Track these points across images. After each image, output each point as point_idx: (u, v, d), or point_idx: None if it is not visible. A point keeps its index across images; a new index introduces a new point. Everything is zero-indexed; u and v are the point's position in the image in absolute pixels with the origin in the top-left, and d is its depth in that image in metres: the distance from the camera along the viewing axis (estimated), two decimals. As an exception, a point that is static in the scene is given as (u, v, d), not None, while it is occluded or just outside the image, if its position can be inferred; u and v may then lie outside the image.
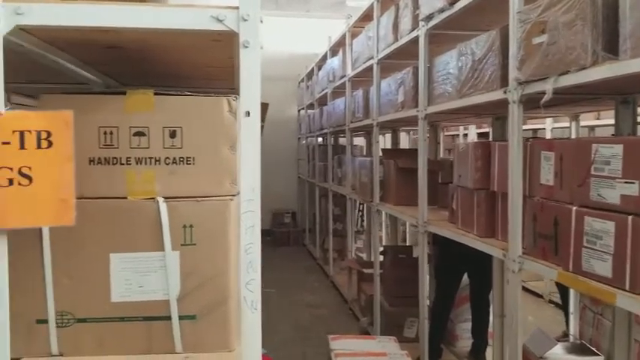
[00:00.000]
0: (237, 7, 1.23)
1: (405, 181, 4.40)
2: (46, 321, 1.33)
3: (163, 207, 1.35)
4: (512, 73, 2.61)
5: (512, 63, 2.61)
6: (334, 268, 7.41)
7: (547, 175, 2.45)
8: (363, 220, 8.67)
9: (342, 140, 8.15)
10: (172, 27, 1.23)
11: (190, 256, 1.36)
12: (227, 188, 1.40)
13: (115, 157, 1.38)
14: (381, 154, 5.01)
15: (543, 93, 2.36)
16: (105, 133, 1.38)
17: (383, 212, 5.30)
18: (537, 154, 2.55)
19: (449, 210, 3.61)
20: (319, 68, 8.33)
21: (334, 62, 7.07)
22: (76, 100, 1.38)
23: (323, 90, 7.82)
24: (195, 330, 1.36)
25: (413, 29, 3.98)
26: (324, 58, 7.89)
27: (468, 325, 4.48)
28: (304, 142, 10.46)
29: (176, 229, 1.36)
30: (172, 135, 1.40)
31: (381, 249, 5.37)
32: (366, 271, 5.54)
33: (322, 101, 8.19)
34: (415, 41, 3.95)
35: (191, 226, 1.37)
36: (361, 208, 8.72)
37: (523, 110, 2.62)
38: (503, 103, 2.78)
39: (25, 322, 1.31)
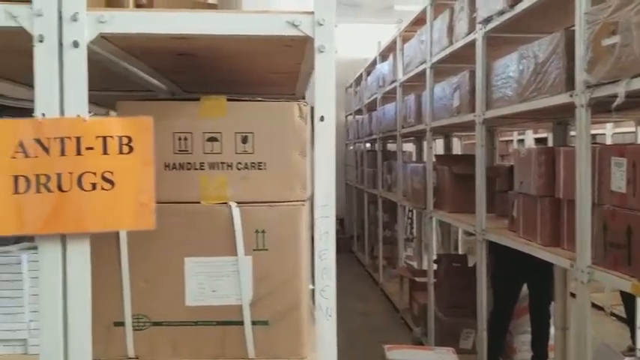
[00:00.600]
0: (312, 12, 1.23)
1: (460, 188, 4.31)
2: (123, 324, 1.35)
3: (236, 212, 1.36)
4: (580, 76, 2.52)
5: (580, 65, 2.52)
6: (384, 276, 7.34)
7: (619, 182, 2.35)
8: (412, 228, 8.56)
9: (390, 146, 8.09)
10: (248, 33, 1.24)
11: (262, 262, 1.36)
12: (298, 193, 1.40)
13: (189, 163, 1.40)
14: (434, 159, 4.94)
15: (613, 96, 2.27)
16: (179, 138, 1.40)
17: (434, 219, 5.22)
18: (607, 161, 2.45)
19: (509, 218, 3.52)
20: (368, 73, 8.31)
21: (384, 67, 7.03)
22: (152, 107, 1.41)
23: (372, 95, 7.79)
24: (267, 336, 1.35)
25: (469, 32, 3.91)
26: (373, 64, 7.86)
27: (528, 338, 4.34)
28: (352, 147, 10.44)
29: (248, 234, 1.36)
30: (244, 140, 1.41)
31: (435, 257, 5.27)
32: (418, 279, 5.46)
33: (371, 107, 8.16)
34: (471, 45, 3.88)
35: (263, 232, 1.37)
36: (410, 215, 8.62)
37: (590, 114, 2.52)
38: (568, 107, 2.69)
39: (104, 324, 1.33)
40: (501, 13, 3.37)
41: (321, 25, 1.22)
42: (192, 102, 1.41)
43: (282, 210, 1.37)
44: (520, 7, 3.14)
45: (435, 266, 5.00)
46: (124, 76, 1.75)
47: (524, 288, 4.22)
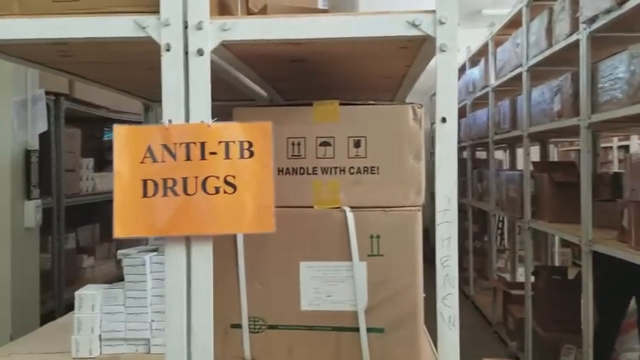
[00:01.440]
0: (433, 11, 1.19)
1: (561, 196, 4.09)
2: (239, 326, 1.37)
3: (350, 216, 1.34)
4: None
5: None
6: (474, 289, 7.09)
7: None
8: (502, 239, 8.23)
9: (478, 154, 7.83)
10: (367, 35, 1.22)
11: (378, 268, 1.33)
12: (412, 199, 1.36)
13: (302, 167, 1.40)
14: (531, 167, 4.71)
15: None
16: (293, 143, 1.41)
17: (530, 229, 4.98)
18: None
19: (619, 228, 3.28)
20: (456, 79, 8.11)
21: (474, 73, 6.84)
22: (266, 112, 1.43)
23: (461, 102, 7.60)
24: (383, 344, 1.32)
25: (571, 33, 3.71)
26: (462, 69, 7.67)
27: (635, 356, 4.02)
28: (438, 156, 10.19)
29: (363, 239, 1.34)
30: (357, 145, 1.40)
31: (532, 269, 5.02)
32: (513, 292, 5.22)
33: (460, 113, 7.95)
34: (573, 46, 3.67)
35: (378, 237, 1.34)
36: (500, 226, 8.29)
37: None
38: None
39: (221, 326, 1.36)
40: (608, 11, 3.17)
41: (443, 23, 1.19)
42: (305, 107, 1.42)
43: (397, 215, 1.34)
44: (629, 5, 2.94)
45: (532, 278, 4.76)
46: (230, 84, 1.79)
47: (633, 302, 3.91)
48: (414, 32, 1.20)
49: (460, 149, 8.07)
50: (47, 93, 3.10)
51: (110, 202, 3.88)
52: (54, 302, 3.39)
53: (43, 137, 3.14)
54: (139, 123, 4.71)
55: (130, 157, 1.21)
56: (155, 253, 1.44)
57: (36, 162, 2.90)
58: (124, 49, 1.44)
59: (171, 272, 1.22)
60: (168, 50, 1.23)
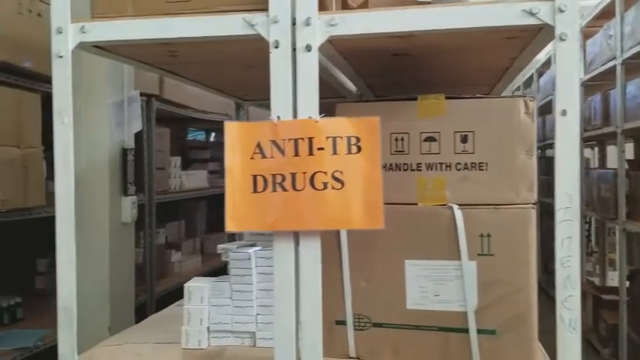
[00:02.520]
0: (551, -1, 1.13)
1: (661, 196, 3.82)
2: (344, 322, 1.36)
3: (459, 214, 1.30)
4: None
5: None
6: (559, 291, 6.77)
7: None
8: (589, 241, 7.82)
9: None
10: (480, 25, 1.18)
11: (488, 267, 1.29)
12: (524, 196, 1.30)
13: (406, 164, 1.37)
14: (626, 165, 4.44)
15: None
16: (396, 139, 1.38)
17: (617, 231, 4.69)
18: None
19: None
20: (540, 74, 7.78)
21: (559, 67, 6.51)
22: (369, 108, 1.41)
23: (546, 97, 7.28)
24: (494, 346, 1.27)
25: (675, 21, 3.45)
26: (546, 64, 7.35)
27: None
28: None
29: (472, 237, 1.30)
30: (464, 140, 1.35)
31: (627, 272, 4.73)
32: (604, 297, 4.94)
33: (545, 110, 7.63)
34: (677, 35, 3.42)
35: (488, 235, 1.29)
36: (587, 228, 7.88)
37: None
38: None
39: (326, 322, 1.34)
40: None
41: (562, 11, 1.12)
42: (409, 102, 1.39)
43: (509, 213, 1.29)
44: None
45: (627, 283, 4.48)
46: (322, 81, 1.79)
47: None
48: (530, 21, 1.15)
49: (542, 147, 7.75)
50: (140, 94, 3.23)
51: (195, 199, 4.02)
52: (145, 295, 3.53)
53: (136, 136, 3.27)
54: (222, 123, 4.85)
55: (241, 153, 1.23)
56: (259, 248, 1.46)
57: (132, 160, 3.04)
58: (227, 48, 1.46)
59: (279, 267, 1.23)
60: (276, 47, 1.24)
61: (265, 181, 1.22)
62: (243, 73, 1.85)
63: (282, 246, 1.23)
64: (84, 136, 2.84)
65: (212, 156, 5.17)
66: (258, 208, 1.22)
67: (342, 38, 1.26)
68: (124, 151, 2.99)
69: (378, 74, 1.89)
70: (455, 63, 1.70)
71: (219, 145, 5.95)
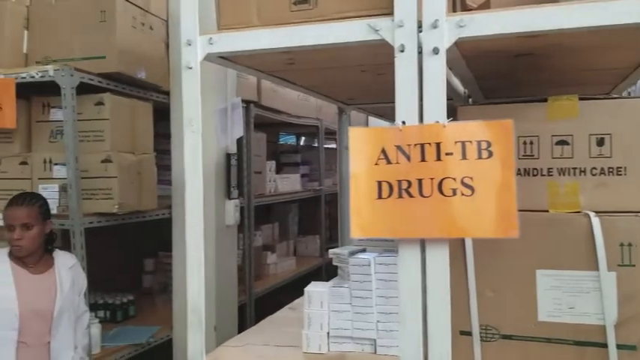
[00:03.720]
0: None
1: None
2: (469, 333, 1.32)
3: (596, 222, 1.22)
4: None
5: None
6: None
7: None
8: None
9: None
10: (621, 22, 1.10)
11: (629, 279, 1.20)
12: (670, 203, 1.21)
13: (536, 168, 1.31)
14: None
15: None
16: (524, 142, 1.33)
17: None
18: None
19: None
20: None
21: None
22: (494, 110, 1.36)
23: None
24: (637, 364, 1.19)
25: None
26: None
27: None
28: None
29: (611, 247, 1.21)
30: (600, 143, 1.27)
31: None
32: None
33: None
34: None
35: (629, 245, 1.21)
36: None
37: None
38: None
39: (450, 332, 1.32)
40: None
41: None
42: (538, 103, 1.33)
43: (653, 221, 1.19)
44: None
45: None
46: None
47: None
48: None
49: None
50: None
51: (287, 202, 4.03)
52: (245, 296, 3.63)
53: (237, 142, 3.37)
54: (314, 127, 4.91)
55: (365, 158, 1.22)
56: (376, 254, 1.45)
57: (235, 165, 3.14)
58: (343, 54, 1.46)
59: (405, 275, 1.21)
60: (402, 51, 1.22)
61: (390, 187, 1.21)
62: (353, 78, 1.85)
63: (408, 253, 1.21)
64: (190, 142, 2.96)
65: (302, 160, 5.24)
66: (384, 214, 1.20)
67: (470, 40, 1.22)
68: (228, 156, 3.09)
69: (494, 76, 1.82)
70: (579, 62, 1.60)
71: (309, 149, 6.03)
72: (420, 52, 1.22)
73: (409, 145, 1.20)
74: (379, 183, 1.21)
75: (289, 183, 4.55)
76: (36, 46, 2.75)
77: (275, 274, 4.23)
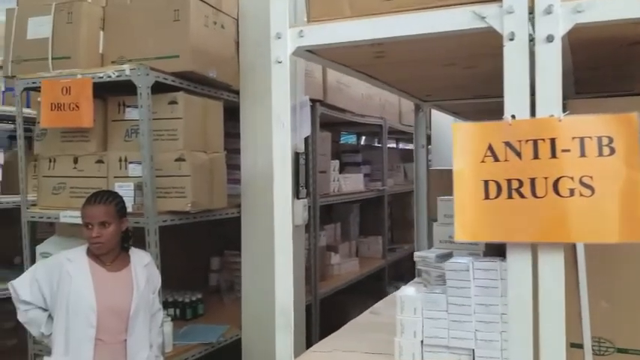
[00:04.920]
0: None
1: None
2: (580, 346, 1.21)
3: None
4: None
5: None
6: None
7: None
8: None
9: None
10: None
11: None
12: None
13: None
14: None
15: None
16: (644, 139, 1.20)
17: None
18: None
19: None
20: None
21: None
22: (607, 103, 1.24)
23: None
24: None
25: None
26: None
27: None
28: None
29: None
30: None
31: None
32: None
33: None
34: None
35: None
36: None
37: None
38: None
39: (559, 343, 1.22)
40: None
41: None
42: (660, 96, 1.20)
43: None
44: None
45: None
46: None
47: None
48: None
49: None
50: (307, 100, 3.29)
51: (348, 202, 3.94)
52: (310, 296, 3.59)
53: (303, 141, 3.33)
54: (378, 125, 4.82)
55: (470, 156, 1.14)
56: (473, 258, 1.36)
57: (303, 164, 3.10)
58: (435, 45, 1.39)
59: (514, 282, 1.12)
60: (511, 39, 1.13)
61: (499, 186, 1.12)
62: (438, 72, 1.76)
63: (518, 259, 1.12)
64: (259, 140, 2.94)
65: (363, 159, 5.16)
66: (491, 216, 1.12)
67: (587, 26, 1.12)
68: (297, 155, 3.05)
69: (595, 67, 1.70)
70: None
71: (369, 148, 5.95)
72: (531, 40, 1.13)
73: (520, 140, 1.11)
74: (486, 182, 1.13)
75: (352, 183, 4.48)
76: (111, 46, 2.79)
77: (339, 275, 4.17)
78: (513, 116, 1.13)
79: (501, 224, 1.11)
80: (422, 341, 1.35)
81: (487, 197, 1.12)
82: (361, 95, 4.31)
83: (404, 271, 5.93)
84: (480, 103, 2.23)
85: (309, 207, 3.57)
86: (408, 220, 5.72)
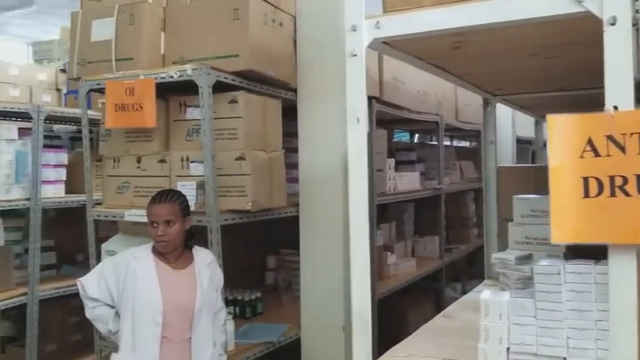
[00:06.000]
0: None
1: None
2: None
3: None
4: None
5: None
6: None
7: None
8: None
9: None
10: None
11: None
12: None
13: None
14: None
15: None
16: None
17: None
18: None
19: None
20: None
21: None
22: None
23: None
24: None
25: None
26: None
27: None
28: None
29: None
30: None
31: None
32: None
33: None
34: None
35: None
36: None
37: None
38: None
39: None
40: None
41: None
42: None
43: None
44: None
45: None
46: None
47: None
48: None
49: None
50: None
51: (403, 202, 3.81)
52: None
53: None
54: (435, 123, 4.71)
55: (568, 151, 1.06)
56: (567, 261, 1.27)
57: (362, 162, 3.04)
58: (519, 34, 1.31)
59: (617, 287, 1.03)
60: (612, 24, 1.05)
61: (600, 184, 1.03)
62: (515, 63, 1.68)
63: (622, 262, 1.03)
64: (317, 138, 2.90)
65: (417, 157, 5.06)
66: (592, 216, 1.04)
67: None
68: (355, 153, 2.99)
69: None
70: None
71: (424, 146, 5.83)
72: (634, 25, 1.04)
73: (623, 134, 1.02)
74: (585, 179, 1.05)
75: (408, 181, 4.39)
76: (172, 47, 2.81)
77: (395, 275, 4.09)
78: (616, 107, 1.04)
79: (603, 224, 1.03)
80: (508, 348, 1.27)
81: (587, 195, 1.04)
82: (417, 92, 4.21)
83: (459, 272, 5.78)
84: (557, 96, 2.11)
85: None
86: (464, 220, 5.58)
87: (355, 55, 1.28)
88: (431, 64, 1.62)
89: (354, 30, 1.28)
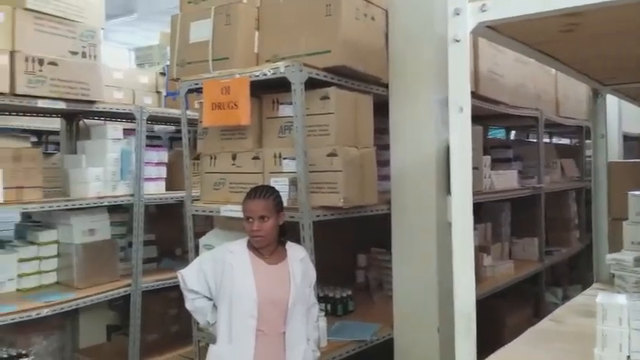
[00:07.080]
0: None
1: None
2: None
3: None
4: None
5: None
6: None
7: None
8: None
9: None
10: None
11: None
12: None
13: None
14: None
15: None
16: None
17: None
18: None
19: None
20: None
21: None
22: None
23: None
24: None
25: None
26: None
27: None
28: None
29: None
30: None
31: None
32: None
33: None
34: None
35: None
36: None
37: None
38: None
39: None
40: None
41: None
42: None
43: None
44: None
45: None
46: None
47: None
48: None
49: None
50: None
51: (499, 201, 3.60)
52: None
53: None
54: (535, 118, 4.47)
55: None
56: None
57: (456, 159, 2.93)
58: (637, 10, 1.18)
59: None
60: None
61: None
62: (632, 48, 1.53)
63: None
64: (409, 134, 2.83)
65: (515, 155, 4.82)
66: None
67: None
68: (448, 149, 2.89)
69: None
70: None
71: (520, 143, 5.55)
72: None
73: None
74: None
75: (505, 180, 4.20)
76: (265, 45, 2.85)
77: (492, 277, 3.92)
78: None
79: None
80: (628, 356, 1.16)
81: None
82: (515, 84, 4.01)
83: (560, 276, 5.44)
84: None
85: (461, 204, 3.38)
86: (565, 221, 5.25)
87: (458, 41, 1.22)
88: (538, 50, 1.51)
89: (457, 14, 1.21)
